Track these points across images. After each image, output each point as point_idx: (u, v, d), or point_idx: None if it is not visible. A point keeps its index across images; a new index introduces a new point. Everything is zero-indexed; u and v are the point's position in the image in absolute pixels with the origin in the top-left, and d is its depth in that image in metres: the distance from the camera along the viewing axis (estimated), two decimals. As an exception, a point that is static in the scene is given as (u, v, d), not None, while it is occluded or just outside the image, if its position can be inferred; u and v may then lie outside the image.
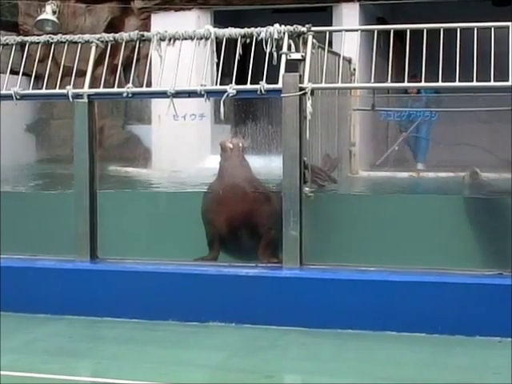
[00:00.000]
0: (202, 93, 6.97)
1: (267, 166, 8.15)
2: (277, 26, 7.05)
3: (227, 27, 7.23)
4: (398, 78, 7.39)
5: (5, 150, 10.17)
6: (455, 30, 6.85)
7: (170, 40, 7.22)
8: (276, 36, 6.99)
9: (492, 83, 6.63)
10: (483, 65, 6.66)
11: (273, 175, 7.63)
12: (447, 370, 5.71)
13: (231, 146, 7.46)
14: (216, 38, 7.15)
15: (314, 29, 7.05)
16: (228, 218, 7.32)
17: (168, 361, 5.96)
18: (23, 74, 7.53)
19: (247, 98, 7.57)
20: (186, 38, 7.21)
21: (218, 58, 7.15)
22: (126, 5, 16.11)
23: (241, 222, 7.35)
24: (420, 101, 11.60)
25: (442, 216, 7.32)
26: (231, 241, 7.45)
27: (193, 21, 14.72)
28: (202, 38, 7.17)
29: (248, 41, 7.10)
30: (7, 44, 7.66)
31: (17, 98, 7.38)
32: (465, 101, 8.66)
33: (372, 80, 7.10)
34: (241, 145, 7.53)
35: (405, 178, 11.24)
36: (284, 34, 7.00)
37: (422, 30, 6.90)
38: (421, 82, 6.88)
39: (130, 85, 7.18)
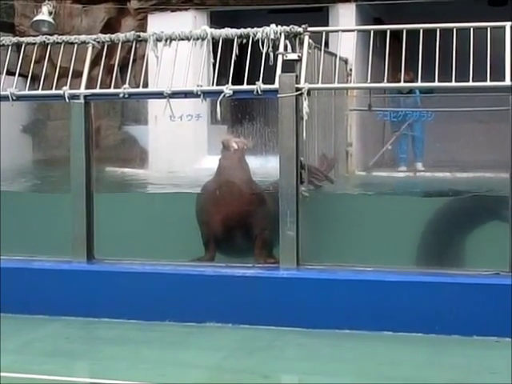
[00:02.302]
0: (199, 93, 6.97)
1: (264, 166, 8.14)
2: (273, 26, 7.05)
3: (224, 28, 7.23)
4: (395, 78, 7.40)
5: (1, 151, 10.16)
6: (451, 30, 6.85)
7: (166, 40, 7.22)
8: (272, 36, 6.99)
9: (488, 83, 6.63)
10: (479, 65, 6.66)
11: (269, 176, 7.62)
12: (444, 370, 5.71)
13: (235, 146, 7.42)
14: (212, 38, 7.16)
15: (310, 29, 7.06)
16: (223, 218, 7.31)
17: (165, 361, 5.96)
18: (19, 75, 7.51)
19: (244, 99, 7.55)
20: (182, 39, 7.21)
21: (215, 58, 7.15)
22: (123, 5, 16.09)
23: (235, 222, 7.33)
24: (416, 101, 11.60)
25: (438, 216, 7.33)
26: (227, 241, 7.44)
27: (189, 21, 14.71)
28: (198, 39, 7.17)
29: (244, 41, 7.11)
30: (3, 45, 7.65)
31: (13, 99, 7.38)
32: (461, 101, 8.67)
33: (368, 80, 7.11)
34: (245, 147, 7.48)
35: (401, 178, 11.24)
36: (280, 34, 7.01)
37: (418, 30, 6.91)
38: (416, 81, 6.90)
39: (126, 85, 7.18)
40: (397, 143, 12.24)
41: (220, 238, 7.40)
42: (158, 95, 7.13)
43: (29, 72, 7.45)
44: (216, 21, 14.49)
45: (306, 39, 7.01)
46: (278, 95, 6.83)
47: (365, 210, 7.53)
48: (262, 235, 7.34)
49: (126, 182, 11.29)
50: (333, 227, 7.34)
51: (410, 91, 11.28)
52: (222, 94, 6.91)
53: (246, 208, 7.34)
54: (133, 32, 7.45)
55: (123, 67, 7.86)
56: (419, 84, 7.04)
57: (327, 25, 13.78)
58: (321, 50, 7.32)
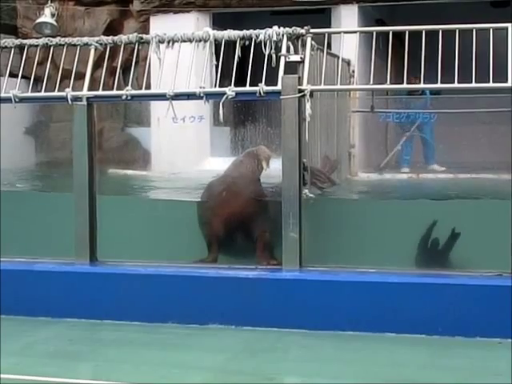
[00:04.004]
0: (201, 95, 6.97)
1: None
2: (275, 28, 7.05)
3: (226, 29, 7.23)
4: (397, 79, 7.39)
5: (4, 153, 10.18)
6: (454, 31, 6.85)
7: (168, 42, 7.22)
8: (275, 38, 6.99)
9: (491, 84, 6.63)
10: (482, 66, 6.66)
11: (272, 177, 7.62)
12: (447, 372, 5.70)
13: (265, 167, 7.33)
14: (215, 40, 7.15)
15: (312, 31, 7.05)
16: (227, 219, 7.30)
17: (168, 363, 5.95)
18: (22, 77, 7.52)
19: (246, 100, 7.56)
20: (184, 41, 7.21)
21: (217, 60, 7.14)
22: (125, 7, 16.12)
23: (238, 223, 7.32)
24: (419, 102, 11.61)
25: (439, 218, 7.32)
26: (230, 242, 7.43)
27: (192, 23, 14.74)
28: (200, 41, 7.17)
29: (247, 43, 7.10)
30: (6, 47, 7.65)
31: (16, 101, 7.37)
32: (464, 102, 8.67)
33: (371, 82, 7.11)
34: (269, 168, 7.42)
35: (404, 180, 11.25)
36: (283, 35, 7.00)
37: (420, 32, 6.90)
38: (420, 83, 6.89)
39: (129, 87, 7.18)
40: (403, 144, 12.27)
41: (223, 239, 7.39)
42: (161, 97, 7.13)
43: (31, 74, 7.46)
44: (218, 22, 14.52)
45: (309, 41, 7.01)
46: (281, 97, 6.82)
47: (367, 211, 7.53)
48: (260, 237, 7.32)
49: (128, 183, 11.31)
50: (335, 229, 7.34)
51: (421, 92, 11.28)
52: (225, 96, 6.91)
53: (249, 209, 7.33)
54: (135, 34, 7.44)
55: (126, 69, 7.86)
56: (421, 85, 7.03)
57: (329, 26, 13.80)
58: (323, 51, 7.32)
